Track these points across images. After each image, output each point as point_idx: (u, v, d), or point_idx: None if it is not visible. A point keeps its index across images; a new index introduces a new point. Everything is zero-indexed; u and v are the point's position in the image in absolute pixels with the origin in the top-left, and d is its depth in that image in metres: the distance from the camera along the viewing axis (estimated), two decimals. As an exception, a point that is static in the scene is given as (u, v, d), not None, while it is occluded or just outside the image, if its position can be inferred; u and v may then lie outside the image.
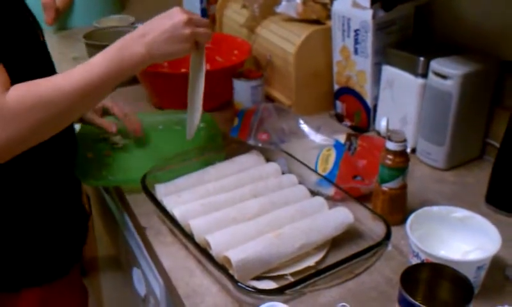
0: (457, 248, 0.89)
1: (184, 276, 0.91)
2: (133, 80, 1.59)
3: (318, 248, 0.94)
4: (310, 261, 0.92)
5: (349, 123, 1.40)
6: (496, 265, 0.87)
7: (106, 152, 1.27)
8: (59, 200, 1.09)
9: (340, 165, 1.09)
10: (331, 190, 1.05)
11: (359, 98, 1.35)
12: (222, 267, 0.86)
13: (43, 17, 2.10)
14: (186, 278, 0.91)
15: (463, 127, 1.15)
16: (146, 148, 1.29)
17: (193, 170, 1.12)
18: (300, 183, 1.09)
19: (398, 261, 0.92)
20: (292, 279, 0.87)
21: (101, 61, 0.93)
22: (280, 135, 1.21)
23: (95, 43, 1.66)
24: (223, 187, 1.06)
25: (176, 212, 0.98)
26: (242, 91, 1.36)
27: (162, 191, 1.06)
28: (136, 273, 1.15)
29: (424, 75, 1.17)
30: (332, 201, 1.03)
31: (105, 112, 1.27)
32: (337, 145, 1.14)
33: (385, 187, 1.00)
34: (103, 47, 1.62)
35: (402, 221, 0.95)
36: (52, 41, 2.10)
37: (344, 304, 0.83)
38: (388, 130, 1.03)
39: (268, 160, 1.16)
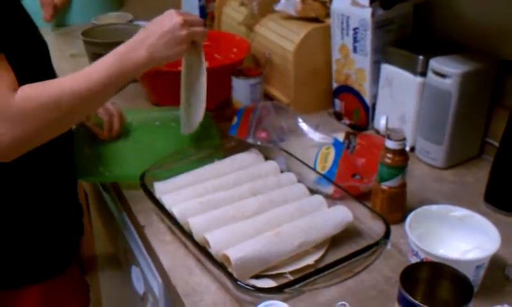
0: (456, 247, 0.89)
1: (182, 274, 0.91)
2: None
3: (317, 246, 0.94)
4: (309, 260, 0.92)
5: (348, 122, 1.40)
6: (495, 264, 0.87)
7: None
8: (55, 195, 1.08)
9: (339, 164, 1.09)
10: (330, 189, 1.05)
11: (358, 96, 1.35)
12: (221, 265, 0.85)
13: (41, 14, 2.10)
14: (185, 276, 0.91)
15: (462, 126, 1.15)
16: (143, 144, 1.29)
17: (192, 168, 1.12)
18: (299, 181, 1.09)
19: (397, 260, 0.92)
20: (291, 278, 0.87)
21: (105, 65, 0.95)
22: (279, 134, 1.21)
23: (93, 40, 1.66)
24: (222, 185, 1.06)
25: (175, 210, 0.97)
26: (241, 89, 1.36)
27: (161, 189, 1.05)
28: (135, 271, 1.15)
29: (423, 74, 1.17)
30: (331, 199, 1.03)
31: None
32: (336, 143, 1.14)
33: (384, 185, 1.00)
34: (101, 44, 1.64)
35: (402, 220, 0.95)
36: (50, 38, 2.10)
37: (343, 302, 0.83)
38: (387, 128, 1.03)
39: (267, 158, 1.16)
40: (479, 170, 1.18)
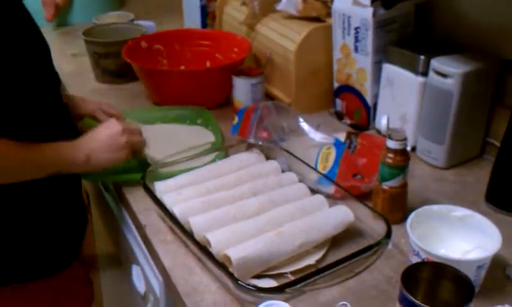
0: (457, 247, 0.89)
1: (183, 274, 0.91)
2: (132, 78, 1.59)
3: (318, 246, 0.94)
4: (310, 260, 0.92)
5: (349, 121, 1.40)
6: (496, 264, 0.87)
7: None
8: (59, 192, 1.09)
9: (340, 164, 1.09)
10: (331, 189, 1.05)
11: (359, 96, 1.35)
12: (222, 265, 0.85)
13: (42, 14, 2.10)
14: (186, 276, 0.91)
15: (463, 126, 1.15)
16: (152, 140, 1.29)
17: (193, 168, 1.12)
18: (300, 181, 1.09)
19: (398, 260, 0.92)
20: (292, 278, 0.87)
21: (45, 158, 1.00)
22: (280, 133, 1.21)
23: (94, 39, 1.66)
24: (223, 185, 1.06)
25: (176, 209, 0.97)
26: (242, 89, 1.36)
27: (161, 188, 1.05)
28: (136, 270, 1.15)
29: (425, 74, 1.17)
30: (332, 199, 1.03)
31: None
32: (337, 143, 1.14)
33: (385, 185, 1.00)
34: (102, 43, 1.64)
35: (403, 220, 0.95)
36: (52, 38, 2.09)
37: (344, 302, 0.83)
38: (388, 128, 1.03)
39: (268, 158, 1.16)
40: (480, 170, 1.18)
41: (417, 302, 0.69)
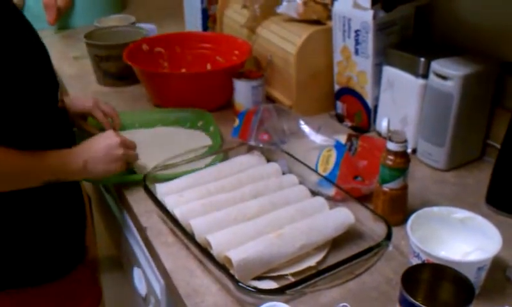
0: (457, 249, 0.89)
1: (184, 276, 0.91)
2: (134, 80, 1.59)
3: (319, 248, 0.94)
4: (311, 262, 0.92)
5: (349, 124, 1.40)
6: (496, 265, 0.87)
7: None
8: (61, 195, 1.10)
9: (341, 166, 1.09)
10: (331, 191, 1.05)
11: (359, 98, 1.35)
12: (223, 266, 0.86)
13: (44, 17, 2.11)
14: (187, 278, 0.91)
15: (464, 128, 1.15)
16: (145, 145, 1.29)
17: (194, 170, 1.12)
18: (301, 183, 1.09)
19: (399, 262, 0.92)
20: (292, 279, 0.87)
21: (43, 166, 1.01)
22: (281, 136, 1.21)
23: (96, 42, 1.66)
24: (224, 187, 1.06)
25: (177, 211, 0.98)
26: (243, 91, 1.37)
27: (163, 191, 1.06)
28: (137, 272, 1.15)
29: (425, 76, 1.17)
30: (333, 201, 1.03)
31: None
32: (338, 145, 1.14)
33: (386, 187, 1.00)
34: (103, 46, 1.65)
35: (403, 222, 0.95)
36: (53, 41, 2.11)
37: (344, 304, 0.83)
38: (388, 130, 1.03)
39: (269, 160, 1.17)
40: (481, 172, 1.18)
41: (417, 303, 0.70)
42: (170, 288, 0.94)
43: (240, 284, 0.82)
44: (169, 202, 1.02)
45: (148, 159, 1.18)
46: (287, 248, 0.90)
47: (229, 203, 1.01)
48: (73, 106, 1.27)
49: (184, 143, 1.28)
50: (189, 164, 1.14)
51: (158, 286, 1.04)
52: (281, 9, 1.44)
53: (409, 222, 0.87)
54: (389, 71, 1.26)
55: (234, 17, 1.66)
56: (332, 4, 1.34)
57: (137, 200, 1.11)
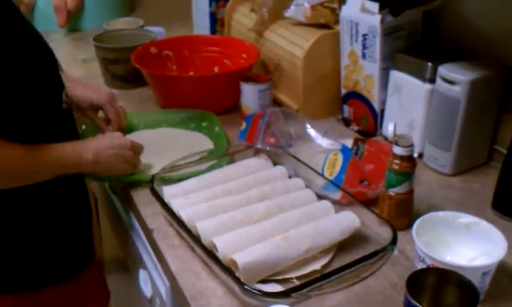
0: (463, 254, 0.89)
1: (190, 278, 0.92)
2: (141, 83, 1.60)
3: (324, 252, 0.95)
4: (316, 265, 0.92)
5: (356, 128, 1.40)
6: (502, 270, 0.87)
7: None
8: (67, 196, 1.11)
9: (347, 170, 1.09)
10: (337, 195, 1.05)
11: (366, 102, 1.35)
12: (228, 269, 0.86)
13: (54, 19, 2.13)
14: (192, 280, 0.91)
15: (470, 133, 1.15)
16: (150, 146, 1.30)
17: (201, 173, 1.13)
18: (307, 187, 1.09)
19: (404, 266, 0.92)
20: (298, 283, 0.88)
21: (53, 156, 1.02)
22: (287, 139, 1.22)
23: (104, 45, 1.67)
24: (230, 190, 1.07)
25: (184, 214, 0.98)
26: (250, 95, 1.37)
27: (169, 193, 1.06)
28: (143, 274, 1.16)
29: (432, 81, 1.17)
30: (339, 205, 1.04)
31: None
32: (344, 149, 1.14)
33: (392, 191, 1.00)
34: (112, 49, 1.66)
35: (409, 226, 0.95)
36: (63, 43, 2.13)
37: (349, 307, 0.83)
38: (395, 134, 1.04)
39: (275, 163, 1.17)
40: (487, 177, 1.18)
41: (422, 307, 0.70)
42: (176, 290, 0.95)
43: (245, 287, 0.82)
44: (176, 204, 1.02)
45: (151, 160, 1.19)
46: (293, 251, 0.91)
47: (235, 205, 1.02)
48: (86, 96, 1.28)
49: (188, 144, 1.29)
50: (196, 166, 1.15)
51: (163, 288, 1.04)
52: (289, 13, 1.45)
53: (415, 226, 0.87)
54: (396, 76, 1.26)
55: (242, 21, 1.67)
56: (340, 8, 1.34)
57: (144, 202, 1.11)
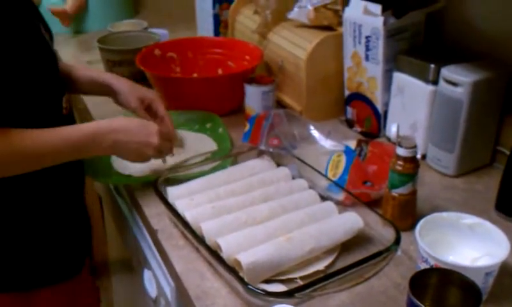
0: (466, 254, 0.90)
1: (194, 278, 0.92)
2: (146, 85, 1.61)
3: (328, 252, 0.95)
4: (320, 266, 0.92)
5: (359, 129, 1.41)
6: (505, 271, 0.87)
7: None
8: (64, 200, 1.11)
9: (350, 171, 1.10)
10: (341, 195, 1.06)
11: (370, 104, 1.36)
12: (232, 269, 0.87)
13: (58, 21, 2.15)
14: (197, 280, 0.92)
15: (473, 134, 1.16)
16: None
17: (205, 174, 1.14)
18: (310, 188, 1.10)
19: (407, 267, 0.93)
20: (301, 283, 0.88)
21: (72, 139, 1.00)
22: (291, 141, 1.22)
23: (109, 47, 1.68)
24: (234, 191, 1.07)
25: (188, 214, 0.99)
26: (254, 96, 1.38)
27: (174, 194, 1.07)
28: (147, 275, 1.17)
29: (435, 82, 1.18)
30: (342, 206, 1.04)
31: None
32: (347, 151, 1.15)
33: (395, 192, 1.01)
34: (116, 51, 1.67)
35: (412, 227, 0.95)
36: (69, 45, 2.14)
37: (352, 308, 0.84)
38: (398, 136, 1.04)
39: (279, 165, 1.18)
40: (490, 178, 1.18)
41: (425, 307, 0.70)
42: (180, 291, 0.96)
43: (249, 287, 0.83)
44: (180, 205, 1.03)
45: (156, 161, 1.20)
46: (296, 252, 0.91)
47: (239, 206, 1.02)
48: (135, 88, 1.25)
49: (192, 146, 1.30)
50: (200, 167, 1.16)
51: (168, 289, 1.05)
52: (292, 15, 1.45)
53: (418, 227, 0.88)
54: (399, 77, 1.27)
55: (246, 23, 1.68)
56: (343, 10, 1.35)
57: (149, 203, 1.12)
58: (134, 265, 1.32)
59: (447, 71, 1.14)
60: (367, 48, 1.30)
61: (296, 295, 0.83)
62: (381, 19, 1.24)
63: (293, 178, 1.14)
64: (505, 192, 1.07)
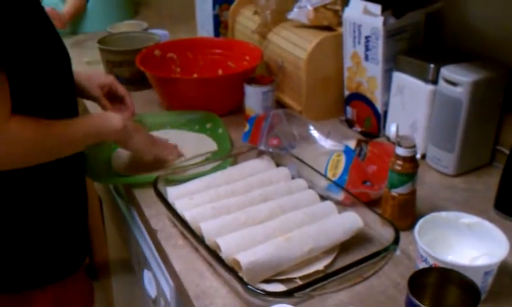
0: (465, 254, 0.90)
1: (194, 278, 0.93)
2: (146, 86, 1.61)
3: (327, 252, 0.95)
4: (319, 265, 0.93)
5: (359, 129, 1.41)
6: (504, 270, 0.87)
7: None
8: (64, 199, 1.10)
9: (350, 171, 1.10)
10: (340, 195, 1.06)
11: (369, 104, 1.36)
12: (232, 269, 0.87)
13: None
14: (196, 280, 0.92)
15: (473, 134, 1.16)
16: None
17: (204, 174, 1.14)
18: (310, 188, 1.10)
19: (406, 266, 0.93)
20: (300, 283, 0.88)
21: (86, 125, 1.06)
22: (291, 141, 1.22)
23: (109, 48, 1.68)
24: (234, 191, 1.07)
25: (187, 214, 0.99)
26: (254, 97, 1.38)
27: (173, 194, 1.07)
28: (147, 275, 1.17)
29: (434, 82, 1.18)
30: (342, 205, 1.04)
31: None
32: (347, 151, 1.15)
33: (394, 192, 1.01)
34: (116, 52, 1.67)
35: (411, 226, 0.95)
36: (68, 45, 2.13)
37: (352, 307, 0.84)
38: (397, 135, 1.04)
39: (278, 165, 1.18)
40: (490, 178, 1.18)
41: (424, 307, 0.70)
42: (180, 290, 0.96)
43: (249, 286, 0.83)
44: (180, 205, 1.03)
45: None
46: (296, 251, 0.91)
47: (238, 206, 1.02)
48: (94, 78, 1.29)
49: (192, 146, 1.30)
50: (200, 168, 1.16)
51: (168, 288, 1.05)
52: (292, 15, 1.45)
53: (417, 226, 0.88)
54: (399, 77, 1.27)
55: (245, 23, 1.68)
56: (342, 10, 1.35)
57: (148, 203, 1.12)
58: (133, 265, 1.32)
59: (446, 71, 1.14)
60: (367, 48, 1.30)
61: (296, 294, 0.83)
62: (380, 19, 1.24)
63: (293, 178, 1.14)
64: (505, 192, 1.07)
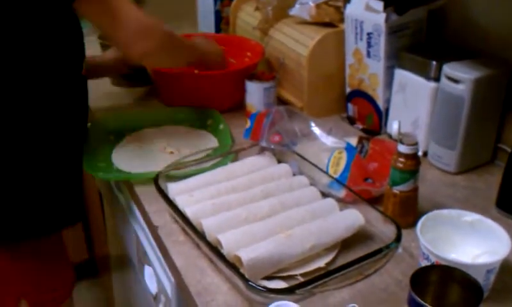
0: (467, 251, 0.90)
1: (195, 274, 0.92)
2: (147, 81, 1.60)
3: (328, 249, 0.95)
4: (321, 262, 0.92)
5: (360, 126, 1.40)
6: (506, 268, 0.87)
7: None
8: (59, 157, 1.14)
9: (352, 168, 1.10)
10: (342, 192, 1.05)
11: (371, 101, 1.36)
12: (233, 265, 0.86)
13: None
14: (197, 276, 0.92)
15: (475, 132, 1.15)
16: (157, 145, 1.31)
17: (205, 170, 1.13)
18: (311, 184, 1.10)
19: (408, 264, 0.93)
20: (302, 280, 0.88)
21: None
22: (292, 138, 1.22)
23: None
24: (235, 187, 1.07)
25: (189, 211, 0.99)
26: (255, 93, 1.37)
27: (174, 190, 1.07)
28: (148, 271, 1.17)
29: (436, 79, 1.18)
30: (343, 203, 1.04)
31: None
32: (349, 148, 1.14)
33: (396, 189, 1.01)
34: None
35: (413, 224, 0.95)
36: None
37: (353, 305, 0.83)
38: (399, 133, 1.04)
39: (280, 161, 1.17)
40: (491, 176, 1.18)
41: (426, 304, 0.70)
42: (181, 287, 0.95)
43: (250, 283, 0.83)
44: (181, 201, 1.03)
45: (157, 158, 1.20)
46: (297, 248, 0.91)
47: (240, 203, 1.02)
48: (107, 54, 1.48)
49: (193, 142, 1.29)
50: (201, 164, 1.16)
51: (169, 285, 1.05)
52: (294, 11, 1.45)
53: (419, 224, 0.88)
54: (401, 74, 1.26)
55: (247, 19, 1.67)
56: (344, 6, 1.35)
57: (149, 199, 1.12)
58: (134, 261, 1.32)
59: (448, 68, 1.14)
60: (369, 45, 1.30)
61: (297, 291, 0.83)
62: (382, 16, 1.23)
63: (294, 174, 1.14)
64: (507, 190, 1.07)
